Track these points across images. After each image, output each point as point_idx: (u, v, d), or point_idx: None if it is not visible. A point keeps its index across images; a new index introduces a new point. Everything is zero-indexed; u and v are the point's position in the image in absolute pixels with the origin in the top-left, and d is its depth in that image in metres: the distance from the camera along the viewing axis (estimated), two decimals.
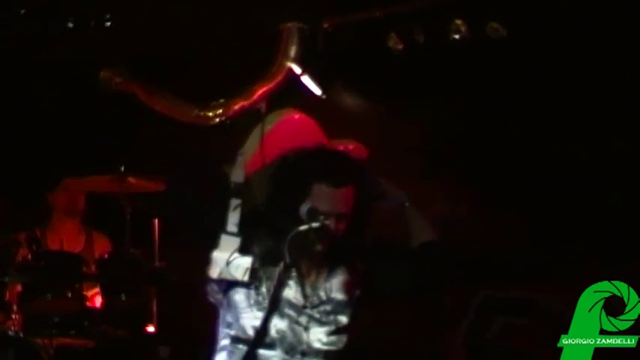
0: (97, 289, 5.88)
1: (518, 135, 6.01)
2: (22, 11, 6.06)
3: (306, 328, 3.36)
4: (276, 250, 3.32)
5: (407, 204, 3.58)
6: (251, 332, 3.32)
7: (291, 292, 3.35)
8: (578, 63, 5.90)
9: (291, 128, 3.50)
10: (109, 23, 6.22)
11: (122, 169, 5.94)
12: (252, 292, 3.34)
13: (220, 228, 3.32)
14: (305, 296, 3.38)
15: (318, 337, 3.37)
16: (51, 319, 5.64)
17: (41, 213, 6.35)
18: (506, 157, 6.02)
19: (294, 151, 3.40)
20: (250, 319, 3.33)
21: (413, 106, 6.22)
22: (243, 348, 3.34)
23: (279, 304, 3.34)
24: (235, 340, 3.36)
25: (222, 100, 6.29)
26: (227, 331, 3.38)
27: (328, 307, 3.39)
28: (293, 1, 6.17)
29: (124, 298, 5.76)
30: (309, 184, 3.32)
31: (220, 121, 6.26)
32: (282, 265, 3.30)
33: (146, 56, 6.47)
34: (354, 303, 3.44)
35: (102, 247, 6.24)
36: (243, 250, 3.32)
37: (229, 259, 3.30)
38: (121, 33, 6.24)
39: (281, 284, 3.29)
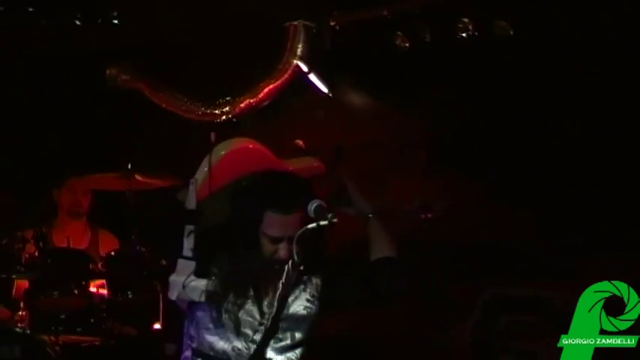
0: (102, 287, 5.87)
1: (524, 130, 6.01)
2: (30, 8, 6.07)
3: (261, 345, 3.50)
4: (235, 271, 3.50)
5: (371, 216, 3.70)
6: (208, 348, 3.50)
7: (249, 309, 3.52)
8: (583, 60, 5.91)
9: (242, 156, 3.65)
10: (116, 21, 6.23)
11: (129, 166, 5.92)
12: (213, 311, 3.50)
13: (176, 253, 3.51)
14: (262, 313, 3.53)
15: (273, 353, 3.51)
16: (58, 315, 5.63)
17: (48, 210, 6.35)
18: (511, 152, 6.02)
19: (245, 179, 3.57)
20: (210, 336, 3.50)
21: (419, 104, 6.22)
22: None
23: (285, 303, 3.51)
24: (196, 352, 3.54)
25: (228, 98, 6.30)
26: (189, 343, 3.57)
27: (284, 324, 3.54)
28: None
29: (130, 295, 5.75)
30: (261, 211, 3.50)
31: (227, 119, 6.28)
32: (290, 263, 3.43)
33: (152, 53, 6.48)
34: (308, 318, 3.58)
35: (108, 244, 6.23)
36: (198, 273, 3.48)
37: (185, 283, 3.47)
38: (128, 30, 6.25)
39: (290, 282, 3.42)
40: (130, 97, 6.38)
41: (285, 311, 3.54)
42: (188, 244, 3.48)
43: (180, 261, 3.49)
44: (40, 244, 5.68)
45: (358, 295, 3.65)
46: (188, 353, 3.57)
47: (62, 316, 5.64)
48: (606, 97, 5.87)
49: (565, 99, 5.96)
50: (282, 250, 3.49)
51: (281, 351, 3.54)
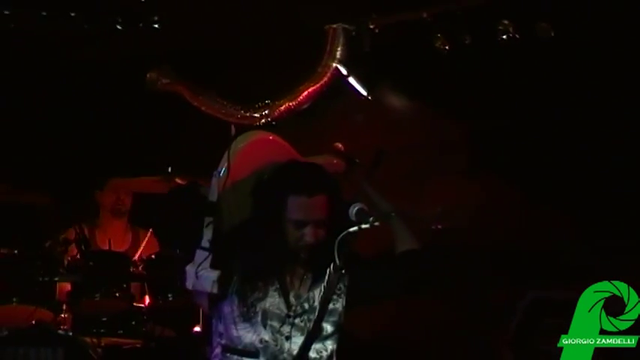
0: (144, 289, 5.91)
1: (564, 134, 5.97)
2: (72, 13, 6.12)
3: (288, 338, 3.51)
4: (259, 262, 3.51)
5: (393, 214, 3.71)
6: (237, 342, 3.50)
7: (275, 302, 3.52)
8: (623, 63, 5.85)
9: (262, 147, 3.70)
10: (156, 25, 6.27)
11: (169, 169, 5.96)
12: (239, 305, 3.51)
13: (196, 244, 3.52)
14: (288, 306, 3.54)
15: (300, 346, 3.47)
16: (99, 318, 5.69)
17: (89, 212, 6.41)
18: (552, 154, 5.98)
19: (266, 171, 3.59)
20: (236, 331, 3.51)
21: (458, 106, 6.20)
22: (232, 357, 3.53)
23: (327, 305, 3.44)
24: (225, 349, 3.55)
25: (268, 101, 6.32)
26: (218, 340, 3.58)
27: (311, 316, 3.52)
28: (339, 1, 6.17)
29: (171, 298, 5.79)
30: (284, 196, 3.50)
31: (266, 122, 6.29)
32: (332, 267, 3.39)
33: (192, 56, 6.51)
34: (336, 311, 3.57)
35: (149, 246, 6.27)
36: (214, 264, 3.50)
37: (197, 272, 3.49)
38: (168, 33, 6.28)
39: (332, 286, 3.38)
40: (171, 101, 6.42)
41: (311, 303, 3.54)
42: (207, 235, 3.50)
43: (198, 252, 3.51)
44: (82, 246, 5.74)
45: (385, 288, 3.66)
46: (218, 350, 3.58)
47: (104, 319, 5.70)
48: None
49: (607, 101, 5.90)
50: (307, 235, 3.49)
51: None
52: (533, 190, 6.01)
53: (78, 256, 5.68)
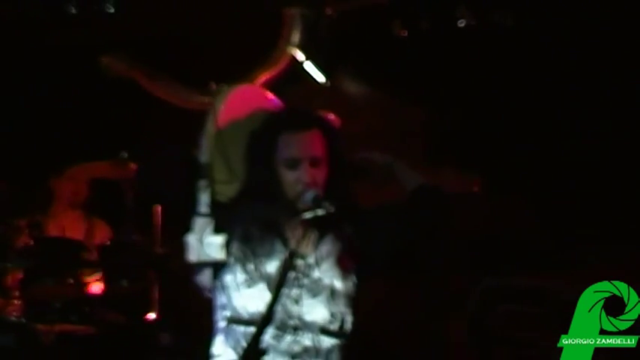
0: (97, 276, 5.85)
1: (524, 120, 5.98)
2: None
3: (297, 301, 3.27)
4: (258, 221, 3.29)
5: (395, 163, 3.51)
6: (242, 312, 3.27)
7: (278, 264, 3.27)
8: (583, 50, 5.87)
9: (244, 96, 3.50)
10: (112, 9, 6.21)
11: (125, 155, 5.90)
12: (241, 271, 3.29)
13: (192, 210, 3.30)
14: (294, 267, 3.26)
15: (311, 308, 3.28)
16: (52, 305, 5.61)
17: (43, 200, 6.33)
18: (514, 142, 5.99)
19: (256, 115, 3.38)
20: (240, 299, 3.28)
21: (416, 93, 6.19)
22: (237, 328, 3.28)
23: (281, 289, 3.20)
24: (230, 320, 3.31)
25: (225, 86, 6.26)
26: (222, 312, 3.34)
27: (320, 276, 3.30)
28: None
29: (125, 285, 5.73)
30: (275, 137, 3.29)
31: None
32: (287, 253, 3.22)
33: (147, 41, 6.45)
34: (347, 267, 3.34)
35: (103, 234, 6.22)
36: (216, 229, 3.28)
37: (202, 239, 3.26)
38: (123, 18, 6.22)
39: (286, 272, 3.17)
40: (126, 86, 6.36)
41: (319, 261, 3.30)
42: (203, 199, 3.28)
43: (197, 219, 3.27)
44: (35, 232, 5.67)
45: (397, 234, 3.38)
46: (222, 324, 3.32)
47: (57, 305, 5.61)
48: (612, 88, 5.83)
49: (568, 90, 5.92)
50: (302, 175, 3.24)
51: (319, 305, 3.29)
52: (491, 176, 6.02)
53: (30, 243, 5.62)
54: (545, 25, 5.91)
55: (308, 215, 3.19)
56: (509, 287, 5.72)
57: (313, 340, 3.28)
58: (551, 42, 5.93)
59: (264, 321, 3.15)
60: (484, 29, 5.99)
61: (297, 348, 3.27)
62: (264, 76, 6.21)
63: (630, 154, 5.79)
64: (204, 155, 3.35)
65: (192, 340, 5.97)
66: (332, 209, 3.18)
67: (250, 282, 3.28)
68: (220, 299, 3.34)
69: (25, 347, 5.32)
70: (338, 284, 3.32)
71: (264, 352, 3.19)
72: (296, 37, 6.25)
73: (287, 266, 3.17)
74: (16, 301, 5.55)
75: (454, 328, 5.85)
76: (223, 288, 3.32)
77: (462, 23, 5.96)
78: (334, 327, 3.31)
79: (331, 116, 3.54)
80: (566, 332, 3.40)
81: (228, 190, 3.36)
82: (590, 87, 5.86)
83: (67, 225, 6.14)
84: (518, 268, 5.83)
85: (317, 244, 3.34)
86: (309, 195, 3.24)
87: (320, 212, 3.19)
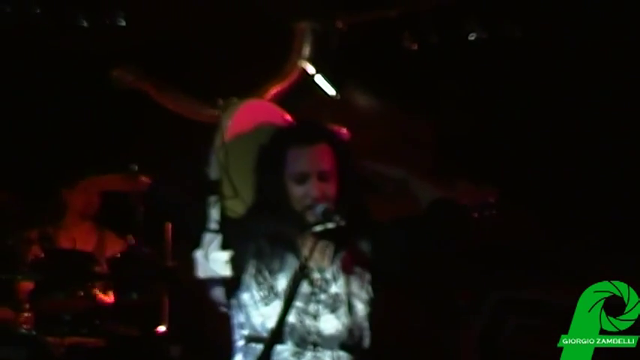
0: (107, 288, 5.87)
1: (532, 133, 5.98)
2: (37, 10, 6.07)
3: (316, 317, 3.25)
4: (270, 244, 3.29)
5: (409, 177, 3.50)
6: (261, 329, 3.25)
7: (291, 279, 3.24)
8: (592, 62, 5.88)
9: (252, 111, 3.49)
10: (123, 22, 6.23)
11: (135, 168, 5.92)
12: (257, 289, 3.27)
13: (203, 226, 3.30)
14: (311, 282, 3.27)
15: (329, 324, 3.25)
16: (62, 317, 5.63)
17: (54, 211, 6.35)
18: (519, 153, 5.99)
19: (264, 130, 3.38)
20: (259, 317, 3.26)
21: (426, 105, 6.20)
22: (256, 347, 3.27)
23: (292, 303, 3.21)
24: (248, 339, 3.29)
25: (235, 100, 6.28)
26: (240, 331, 3.32)
27: (338, 290, 3.28)
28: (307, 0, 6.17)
29: (135, 297, 5.74)
30: (284, 152, 3.28)
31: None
32: (297, 266, 3.21)
33: (159, 54, 6.47)
34: (363, 281, 3.33)
35: (114, 246, 6.22)
36: (227, 245, 3.28)
37: (207, 254, 3.26)
38: (135, 31, 6.25)
39: (296, 286, 3.17)
40: (137, 98, 6.38)
41: (336, 275, 3.29)
42: (213, 215, 3.28)
43: (207, 235, 3.28)
44: (46, 245, 5.69)
45: (412, 248, 3.36)
46: (241, 342, 3.30)
47: (67, 318, 5.63)
48: (619, 98, 5.83)
49: (575, 100, 5.92)
50: (311, 189, 3.22)
51: (338, 320, 3.26)
52: (501, 188, 6.01)
53: (41, 255, 5.63)
54: (554, 36, 5.91)
55: (318, 229, 3.18)
56: (521, 300, 5.72)
57: (333, 357, 3.27)
58: (560, 53, 5.94)
59: (274, 335, 3.15)
60: (494, 42, 6.00)
61: None
62: (274, 89, 6.22)
63: (634, 170, 5.79)
64: (213, 171, 3.35)
65: (201, 354, 5.99)
66: (342, 222, 3.17)
67: (267, 299, 3.26)
68: (238, 318, 3.33)
69: None
70: (355, 299, 3.30)
71: None
72: (306, 50, 6.26)
73: (297, 280, 3.16)
74: (26, 314, 5.56)
75: (464, 341, 5.84)
76: (240, 306, 3.30)
77: (472, 37, 5.97)
78: (353, 342, 3.29)
79: (341, 129, 3.54)
80: None
81: (237, 206, 3.36)
82: (601, 95, 5.86)
83: (78, 237, 6.15)
84: (529, 281, 5.83)
85: (333, 259, 3.32)
86: (319, 209, 3.23)
87: (330, 225, 3.18)
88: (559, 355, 4.78)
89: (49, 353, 5.40)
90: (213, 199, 3.31)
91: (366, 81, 6.33)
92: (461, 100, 6.14)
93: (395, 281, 3.43)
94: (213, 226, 3.29)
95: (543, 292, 5.75)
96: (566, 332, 5.10)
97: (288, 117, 3.51)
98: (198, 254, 3.30)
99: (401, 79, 6.25)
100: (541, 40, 5.93)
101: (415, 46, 6.14)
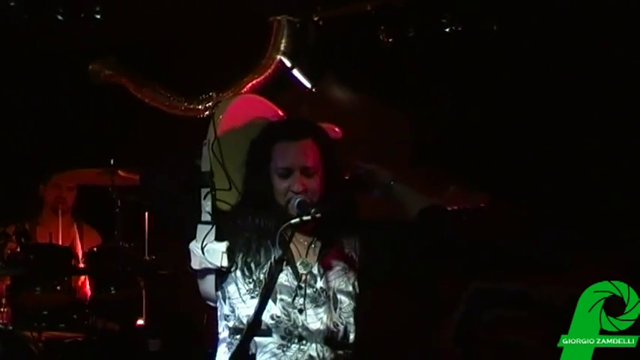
0: (85, 282, 5.86)
1: (510, 125, 6.01)
2: (12, 3, 6.03)
3: (302, 311, 3.28)
4: (257, 237, 3.31)
5: (392, 183, 3.50)
6: (246, 322, 3.25)
7: (283, 274, 3.27)
8: (569, 56, 5.91)
9: (245, 106, 3.51)
10: (98, 16, 6.20)
11: (112, 162, 5.90)
12: (244, 281, 3.30)
13: (196, 219, 3.32)
14: (297, 276, 3.31)
15: (315, 318, 3.29)
16: (40, 312, 5.61)
17: (31, 206, 6.32)
18: (500, 147, 6.02)
19: (256, 125, 3.40)
20: (245, 309, 3.28)
21: (403, 99, 6.21)
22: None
23: (271, 294, 3.23)
24: (233, 331, 3.31)
25: (212, 93, 6.28)
26: (225, 323, 3.34)
27: (324, 285, 3.32)
28: None
29: (113, 291, 5.73)
30: (270, 146, 3.33)
31: (210, 114, 6.24)
32: (273, 259, 3.26)
33: (135, 48, 6.45)
34: (350, 277, 3.36)
35: (92, 240, 6.21)
36: (219, 237, 3.30)
37: (203, 246, 3.28)
38: (111, 25, 6.22)
39: (273, 278, 3.19)
40: (114, 93, 6.35)
41: (322, 270, 3.32)
42: (206, 207, 3.31)
43: (200, 227, 3.29)
44: (23, 239, 5.66)
45: (402, 253, 3.40)
46: (225, 334, 3.32)
47: (45, 313, 5.62)
48: (600, 92, 5.87)
49: (553, 91, 5.96)
50: (295, 184, 3.27)
51: (324, 314, 3.30)
52: (477, 181, 6.05)
53: (18, 250, 5.60)
54: (531, 30, 5.94)
55: (294, 221, 3.20)
56: (497, 292, 5.75)
57: (317, 350, 3.29)
58: (537, 47, 5.97)
59: (251, 326, 3.15)
60: (470, 35, 6.02)
61: (302, 358, 3.27)
62: (252, 83, 6.22)
63: (616, 159, 5.83)
64: (205, 163, 3.37)
65: (180, 347, 5.98)
66: (317, 214, 3.19)
67: (254, 292, 3.29)
68: (223, 310, 3.34)
69: (13, 355, 5.30)
70: (341, 294, 3.34)
71: (252, 357, 3.20)
72: (283, 44, 6.26)
73: (273, 272, 3.19)
74: (4, 309, 5.55)
75: (443, 333, 5.87)
76: (226, 298, 3.32)
77: (447, 29, 5.99)
78: (338, 337, 3.32)
79: (332, 126, 3.56)
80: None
81: (229, 198, 3.38)
82: (580, 89, 5.90)
83: (55, 230, 6.11)
84: (505, 273, 5.86)
85: (320, 255, 3.36)
86: (294, 200, 3.27)
87: (306, 217, 3.20)
88: (537, 346, 4.83)
89: (26, 348, 5.37)
90: (205, 190, 3.34)
91: (343, 75, 6.34)
92: (438, 93, 6.15)
93: (380, 277, 3.45)
94: (206, 217, 3.32)
95: (520, 284, 5.79)
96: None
97: (281, 112, 3.53)
98: (193, 245, 3.31)
99: (378, 73, 6.26)
100: (518, 34, 5.96)
101: (392, 40, 6.15)
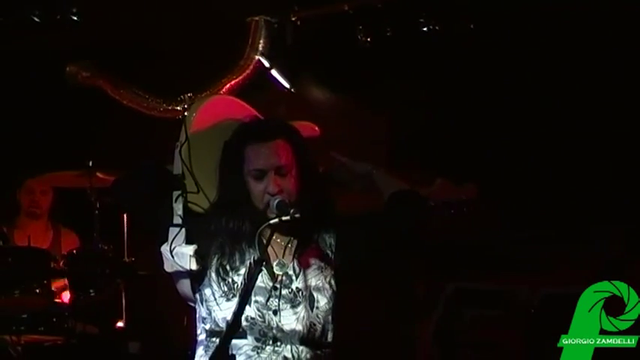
0: (65, 285, 5.83)
1: (485, 124, 6.03)
2: None
3: (276, 312, 3.28)
4: (232, 240, 3.30)
5: (374, 171, 3.53)
6: (223, 324, 3.27)
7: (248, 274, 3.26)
8: (544, 55, 5.94)
9: (217, 107, 3.49)
10: (75, 17, 6.18)
11: (90, 164, 5.89)
12: (219, 284, 3.30)
13: (168, 222, 3.32)
14: (273, 277, 3.30)
15: (290, 319, 3.29)
16: (19, 315, 5.58)
17: (8, 210, 6.29)
18: (473, 146, 6.03)
19: (229, 127, 3.39)
20: (220, 312, 3.28)
21: (380, 99, 6.22)
22: (217, 341, 3.26)
23: (249, 297, 3.21)
24: (210, 334, 3.31)
25: (190, 94, 6.27)
26: (202, 325, 3.34)
27: (300, 285, 3.32)
28: None
29: (92, 294, 5.71)
30: (243, 149, 3.31)
31: None
32: (252, 259, 3.25)
33: (113, 50, 6.43)
34: (326, 277, 3.36)
35: (70, 243, 6.19)
36: (190, 240, 3.29)
37: (172, 249, 3.27)
38: (88, 26, 6.20)
39: (252, 279, 3.17)
40: (91, 95, 6.34)
41: (297, 271, 3.31)
42: (177, 210, 3.30)
43: (172, 229, 3.29)
44: (1, 242, 5.64)
45: (375, 242, 3.39)
46: (202, 337, 3.33)
47: (24, 316, 5.59)
48: (575, 89, 5.89)
49: (530, 90, 5.98)
50: (270, 185, 3.25)
51: (298, 315, 3.30)
52: (454, 180, 6.06)
53: None
54: (507, 29, 5.96)
55: (273, 222, 3.20)
56: (475, 292, 5.78)
57: (292, 351, 3.29)
58: (514, 46, 5.99)
59: (230, 329, 3.16)
60: (447, 35, 6.03)
61: (276, 359, 3.27)
62: (230, 83, 6.22)
63: (593, 155, 5.85)
64: (177, 166, 3.36)
65: (160, 349, 5.98)
66: (296, 215, 3.19)
67: (229, 294, 3.28)
68: (200, 312, 3.35)
69: None
70: (318, 293, 3.33)
71: (232, 358, 3.18)
72: (261, 44, 6.27)
73: (252, 274, 3.17)
74: None
75: (421, 332, 5.89)
76: (203, 301, 3.32)
77: (424, 29, 6.00)
78: (314, 337, 3.31)
79: (311, 125, 3.57)
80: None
81: (200, 201, 3.37)
82: (553, 88, 5.92)
83: (33, 233, 6.08)
84: (483, 273, 5.89)
85: (296, 255, 3.35)
86: (273, 201, 3.26)
87: (285, 218, 3.19)
88: (516, 345, 4.84)
89: (5, 352, 5.36)
90: (176, 193, 3.33)
91: (320, 75, 6.34)
92: (415, 93, 6.17)
93: (357, 275, 3.45)
94: (176, 220, 3.31)
95: (498, 284, 5.81)
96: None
97: (255, 113, 3.51)
98: (164, 249, 3.31)
99: (355, 73, 6.27)
100: (495, 33, 5.98)
101: (369, 40, 6.16)
